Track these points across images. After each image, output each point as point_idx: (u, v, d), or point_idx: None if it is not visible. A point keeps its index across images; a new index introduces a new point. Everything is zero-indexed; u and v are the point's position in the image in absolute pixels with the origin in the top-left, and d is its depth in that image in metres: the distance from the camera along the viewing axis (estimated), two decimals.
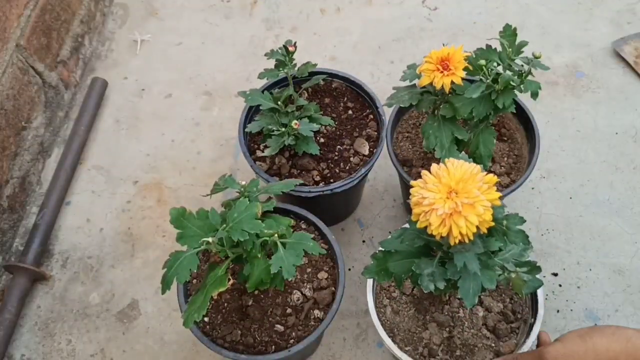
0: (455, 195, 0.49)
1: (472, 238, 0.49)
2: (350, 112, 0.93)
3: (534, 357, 0.64)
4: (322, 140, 0.90)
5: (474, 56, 0.70)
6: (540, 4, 1.29)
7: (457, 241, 0.49)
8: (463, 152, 0.63)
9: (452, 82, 0.67)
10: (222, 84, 1.22)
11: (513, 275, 0.58)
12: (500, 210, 0.55)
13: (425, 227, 0.50)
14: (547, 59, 1.19)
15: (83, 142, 1.12)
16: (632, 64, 1.16)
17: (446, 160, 0.52)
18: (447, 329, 0.72)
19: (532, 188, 1.02)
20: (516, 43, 0.70)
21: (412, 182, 0.52)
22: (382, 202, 1.04)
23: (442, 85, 0.67)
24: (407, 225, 0.60)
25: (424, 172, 0.52)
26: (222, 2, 1.35)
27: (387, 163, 0.97)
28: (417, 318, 0.74)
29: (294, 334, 0.73)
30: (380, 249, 0.62)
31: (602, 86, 1.15)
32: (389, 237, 0.62)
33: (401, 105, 0.75)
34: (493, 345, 0.71)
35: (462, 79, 0.67)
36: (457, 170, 0.50)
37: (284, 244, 0.64)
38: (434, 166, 0.52)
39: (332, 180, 0.86)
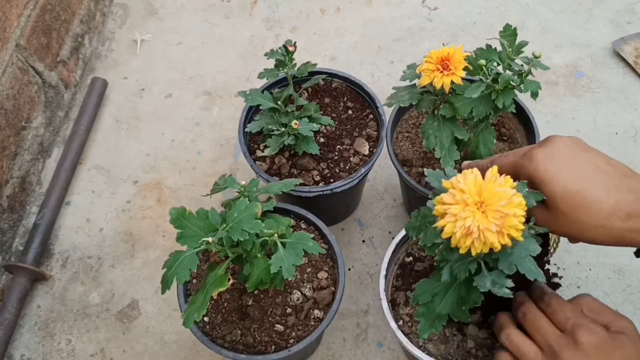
0: (485, 206, 0.49)
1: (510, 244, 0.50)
2: (350, 112, 0.93)
3: (517, 157, 0.58)
4: (322, 140, 0.90)
5: (474, 56, 0.70)
6: (540, 4, 1.29)
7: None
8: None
9: (452, 82, 0.67)
10: (222, 84, 1.22)
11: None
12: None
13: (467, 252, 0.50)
14: (547, 59, 1.19)
15: (83, 142, 1.12)
16: (632, 64, 1.16)
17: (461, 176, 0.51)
18: (484, 321, 0.72)
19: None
20: (516, 43, 0.70)
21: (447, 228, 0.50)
22: (382, 202, 1.04)
23: (442, 85, 0.67)
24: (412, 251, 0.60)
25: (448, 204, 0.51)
26: (222, 1, 1.35)
27: (387, 163, 0.97)
28: (454, 335, 0.73)
29: (293, 333, 0.73)
30: (419, 303, 0.61)
31: (602, 86, 1.15)
32: (416, 290, 0.61)
33: (401, 105, 0.75)
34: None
35: (462, 78, 0.67)
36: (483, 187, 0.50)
37: (284, 244, 0.64)
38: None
39: (332, 180, 0.86)
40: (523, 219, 0.49)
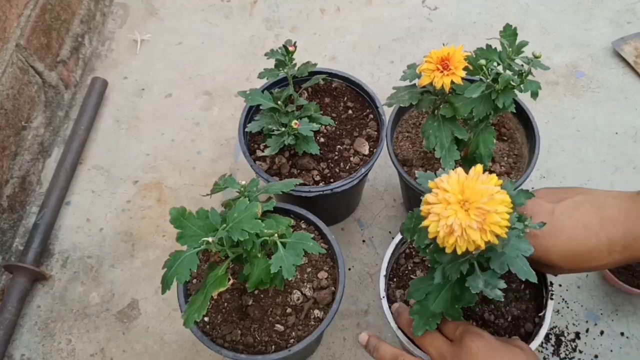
0: (468, 204, 0.49)
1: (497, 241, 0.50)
2: (350, 111, 0.93)
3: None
4: (322, 140, 0.90)
5: (474, 56, 0.70)
6: (540, 4, 1.29)
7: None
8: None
9: (452, 82, 0.67)
10: (222, 84, 1.22)
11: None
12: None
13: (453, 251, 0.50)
14: (547, 58, 1.19)
15: (83, 142, 1.12)
16: (632, 63, 1.16)
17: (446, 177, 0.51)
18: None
19: (532, 188, 1.02)
20: (516, 43, 0.70)
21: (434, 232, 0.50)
22: (382, 202, 1.04)
23: (442, 85, 0.67)
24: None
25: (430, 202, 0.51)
26: (222, 1, 1.35)
27: (387, 163, 0.97)
28: None
29: (294, 333, 0.73)
30: (412, 300, 0.61)
31: (602, 86, 1.15)
32: (411, 287, 0.61)
33: (401, 105, 0.75)
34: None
35: (462, 78, 0.67)
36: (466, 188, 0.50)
37: (284, 244, 0.64)
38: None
39: (332, 180, 0.86)
40: (507, 216, 0.49)
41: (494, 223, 0.48)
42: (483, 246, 0.49)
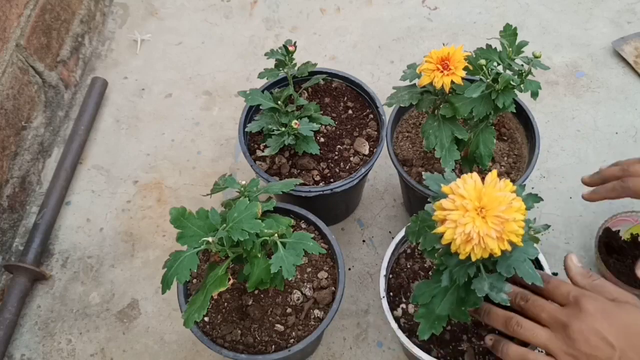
0: (485, 211, 0.48)
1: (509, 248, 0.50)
2: (350, 111, 0.93)
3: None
4: (322, 139, 0.90)
5: (474, 56, 0.70)
6: (540, 4, 1.29)
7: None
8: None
9: (452, 82, 0.67)
10: (222, 84, 1.22)
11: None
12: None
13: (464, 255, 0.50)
14: (547, 58, 1.19)
15: (83, 142, 1.12)
16: (632, 63, 1.16)
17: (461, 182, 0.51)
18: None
19: (532, 188, 1.02)
20: (516, 43, 0.70)
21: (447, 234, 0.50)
22: (382, 202, 1.04)
23: (442, 85, 0.67)
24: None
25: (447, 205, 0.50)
26: (222, 1, 1.35)
27: (387, 163, 0.97)
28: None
29: (294, 333, 0.73)
30: (418, 304, 0.61)
31: (602, 86, 1.15)
32: (415, 291, 0.61)
33: (401, 105, 0.75)
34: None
35: (462, 78, 0.67)
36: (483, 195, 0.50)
37: (284, 244, 0.64)
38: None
39: (332, 180, 0.86)
40: (523, 224, 0.49)
41: (511, 231, 0.48)
42: (499, 254, 0.49)
